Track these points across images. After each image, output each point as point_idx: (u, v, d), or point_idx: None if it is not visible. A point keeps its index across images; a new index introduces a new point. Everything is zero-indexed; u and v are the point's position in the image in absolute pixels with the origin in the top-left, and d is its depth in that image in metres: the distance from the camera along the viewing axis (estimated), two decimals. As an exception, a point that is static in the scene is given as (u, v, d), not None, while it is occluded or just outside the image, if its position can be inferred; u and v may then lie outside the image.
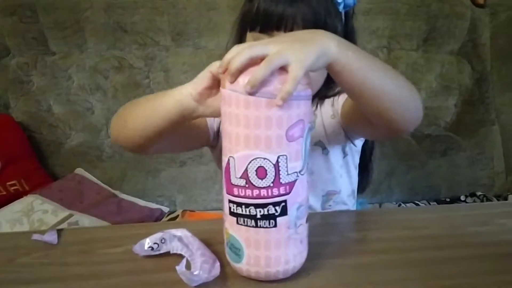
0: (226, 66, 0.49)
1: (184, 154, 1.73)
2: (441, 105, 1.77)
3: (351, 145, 0.84)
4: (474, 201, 1.73)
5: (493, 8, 1.74)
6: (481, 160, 1.82)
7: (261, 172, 0.49)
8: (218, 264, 0.55)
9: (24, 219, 1.41)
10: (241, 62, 0.48)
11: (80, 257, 0.62)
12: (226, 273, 0.56)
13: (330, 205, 0.86)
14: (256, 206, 0.50)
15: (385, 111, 0.58)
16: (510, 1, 1.74)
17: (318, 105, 0.82)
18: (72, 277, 0.57)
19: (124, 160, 1.74)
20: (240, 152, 0.49)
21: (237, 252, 0.53)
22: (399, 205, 1.76)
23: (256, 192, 0.49)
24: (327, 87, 0.78)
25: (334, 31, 0.54)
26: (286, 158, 0.49)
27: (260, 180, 0.49)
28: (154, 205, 1.69)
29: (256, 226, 0.51)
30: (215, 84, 0.56)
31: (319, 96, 0.80)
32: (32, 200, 1.48)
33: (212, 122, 0.81)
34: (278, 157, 0.49)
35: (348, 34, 0.78)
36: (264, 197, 0.49)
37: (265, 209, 0.50)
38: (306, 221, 0.54)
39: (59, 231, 0.67)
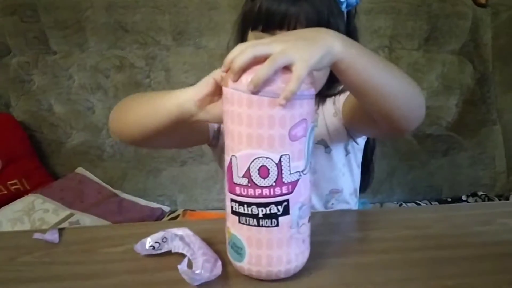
0: (229, 64, 0.49)
1: (185, 153, 1.73)
2: (443, 105, 1.77)
3: (354, 143, 0.84)
4: (476, 201, 1.72)
5: (494, 7, 1.73)
6: (482, 160, 1.81)
7: (263, 171, 0.49)
8: (219, 263, 0.55)
9: (25, 218, 1.41)
10: (245, 60, 0.47)
11: (81, 256, 0.62)
12: (228, 272, 0.56)
13: (332, 204, 0.86)
14: (258, 205, 0.50)
15: (389, 109, 0.58)
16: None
17: (320, 104, 0.82)
18: (73, 276, 0.57)
19: (125, 160, 1.74)
20: (243, 151, 0.49)
21: (239, 251, 0.53)
22: (400, 205, 1.76)
23: (258, 191, 0.49)
24: (329, 86, 0.78)
25: (336, 30, 0.54)
26: (289, 158, 0.49)
27: (262, 179, 0.49)
28: (155, 205, 1.68)
29: (258, 225, 0.51)
30: (217, 91, 0.56)
31: (321, 95, 0.80)
32: (33, 199, 1.47)
33: None
34: (281, 157, 0.48)
35: (350, 33, 0.78)
36: (266, 196, 0.49)
37: (267, 208, 0.50)
38: (309, 221, 0.54)
39: (60, 230, 0.67)
